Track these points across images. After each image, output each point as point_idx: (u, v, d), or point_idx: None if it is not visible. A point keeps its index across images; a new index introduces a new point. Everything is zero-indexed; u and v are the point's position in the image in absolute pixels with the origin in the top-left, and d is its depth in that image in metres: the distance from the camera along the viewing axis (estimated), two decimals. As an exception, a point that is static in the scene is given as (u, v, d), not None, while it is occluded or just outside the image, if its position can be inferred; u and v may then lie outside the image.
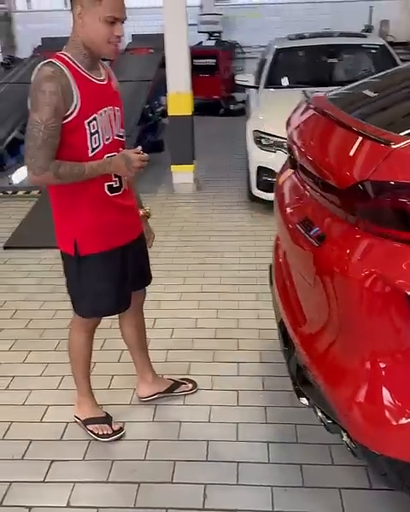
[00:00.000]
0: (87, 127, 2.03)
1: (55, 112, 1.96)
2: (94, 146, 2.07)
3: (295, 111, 2.37)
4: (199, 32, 10.26)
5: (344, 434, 1.83)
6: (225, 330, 3.27)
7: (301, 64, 6.41)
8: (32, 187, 5.94)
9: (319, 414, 1.96)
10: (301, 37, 6.95)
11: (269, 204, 5.20)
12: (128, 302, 2.38)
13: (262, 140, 5.08)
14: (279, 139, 5.02)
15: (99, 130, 2.06)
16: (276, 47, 6.38)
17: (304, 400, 2.05)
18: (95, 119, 2.05)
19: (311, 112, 2.16)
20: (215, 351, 3.07)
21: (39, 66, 2.00)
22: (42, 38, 10.97)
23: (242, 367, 2.93)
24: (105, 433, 2.46)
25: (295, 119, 2.29)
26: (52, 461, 2.35)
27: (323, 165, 1.84)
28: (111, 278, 2.25)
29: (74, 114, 2.00)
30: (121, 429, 2.49)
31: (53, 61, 1.99)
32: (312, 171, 1.93)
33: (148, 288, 2.57)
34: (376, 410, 1.65)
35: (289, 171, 2.33)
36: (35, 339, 3.27)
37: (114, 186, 2.16)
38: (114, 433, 2.47)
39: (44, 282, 4.01)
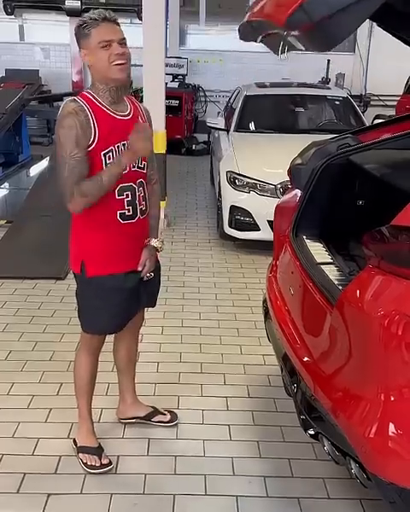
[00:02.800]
0: (103, 158, 2.17)
1: (77, 144, 2.11)
2: None
3: None
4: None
5: (354, 465, 1.91)
6: (210, 365, 3.31)
7: (270, 111, 6.68)
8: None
9: (327, 446, 2.04)
10: (262, 85, 7.27)
11: (240, 242, 5.36)
12: (124, 324, 2.42)
13: (236, 180, 5.24)
14: (252, 180, 5.21)
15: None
16: (246, 93, 6.63)
17: (311, 431, 2.11)
18: (111, 151, 2.18)
19: None
20: (202, 385, 3.11)
21: (64, 102, 2.18)
22: (5, 69, 11.05)
23: (230, 401, 2.97)
24: (93, 464, 2.45)
25: None
26: (49, 494, 2.31)
27: None
28: (109, 299, 2.32)
29: (92, 146, 2.15)
30: (110, 463, 2.46)
31: (76, 98, 2.16)
32: None
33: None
34: (388, 442, 1.74)
35: None
36: (17, 371, 3.20)
37: (127, 214, 2.26)
38: (102, 466, 2.45)
39: (21, 313, 3.95)
